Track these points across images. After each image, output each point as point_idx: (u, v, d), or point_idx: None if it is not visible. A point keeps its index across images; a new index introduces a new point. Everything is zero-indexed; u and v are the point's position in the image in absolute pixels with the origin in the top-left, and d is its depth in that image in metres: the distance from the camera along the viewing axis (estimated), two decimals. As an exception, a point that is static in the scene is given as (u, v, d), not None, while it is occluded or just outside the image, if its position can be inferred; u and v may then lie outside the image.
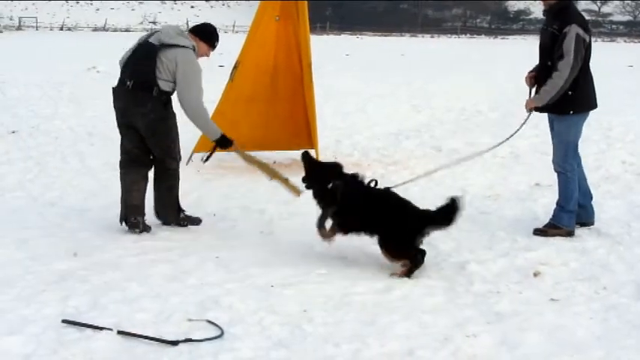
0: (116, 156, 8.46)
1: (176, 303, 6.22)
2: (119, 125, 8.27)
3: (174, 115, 8.21)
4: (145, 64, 7.91)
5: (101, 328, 5.63)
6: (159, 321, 5.86)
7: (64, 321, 5.74)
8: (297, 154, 9.12)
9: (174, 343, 5.47)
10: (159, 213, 8.57)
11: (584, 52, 8.07)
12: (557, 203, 8.50)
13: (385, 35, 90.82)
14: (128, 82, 7.97)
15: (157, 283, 6.67)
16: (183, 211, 8.64)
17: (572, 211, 8.40)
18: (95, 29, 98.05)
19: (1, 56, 35.15)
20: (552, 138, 8.56)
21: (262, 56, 11.55)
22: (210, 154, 8.65)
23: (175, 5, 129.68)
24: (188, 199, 9.35)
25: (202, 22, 8.81)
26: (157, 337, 5.55)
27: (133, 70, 7.99)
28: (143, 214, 8.31)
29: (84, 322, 5.73)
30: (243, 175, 10.58)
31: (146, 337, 5.53)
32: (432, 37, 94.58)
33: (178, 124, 8.31)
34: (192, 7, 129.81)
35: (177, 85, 7.93)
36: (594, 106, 8.43)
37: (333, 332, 5.76)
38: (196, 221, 8.62)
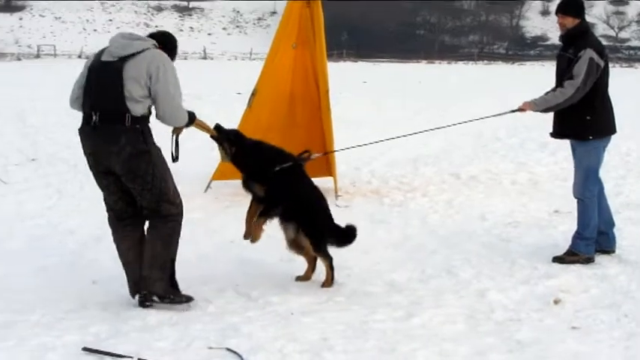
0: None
1: (196, 331, 6.21)
2: (95, 176, 6.89)
3: (157, 147, 6.75)
4: (109, 89, 6.53)
5: (121, 356, 5.63)
6: (178, 349, 5.85)
7: (84, 349, 5.75)
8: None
9: (195, 371, 5.48)
10: (146, 279, 6.73)
11: (596, 77, 8.06)
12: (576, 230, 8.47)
13: (402, 62, 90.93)
14: (94, 117, 6.58)
15: (177, 311, 6.67)
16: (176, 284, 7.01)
17: (590, 238, 8.33)
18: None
19: (20, 84, 35.33)
20: (574, 164, 8.53)
21: (280, 84, 11.58)
22: (177, 146, 7.07)
23: (192, 33, 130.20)
24: (207, 227, 9.38)
25: (158, 29, 7.52)
26: (177, 365, 5.55)
27: (96, 102, 6.61)
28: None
29: (104, 349, 5.73)
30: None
31: (166, 365, 5.54)
32: (448, 63, 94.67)
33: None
34: (209, 34, 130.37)
35: (153, 87, 6.53)
36: (613, 131, 8.40)
37: (354, 360, 5.74)
38: (184, 299, 6.84)
